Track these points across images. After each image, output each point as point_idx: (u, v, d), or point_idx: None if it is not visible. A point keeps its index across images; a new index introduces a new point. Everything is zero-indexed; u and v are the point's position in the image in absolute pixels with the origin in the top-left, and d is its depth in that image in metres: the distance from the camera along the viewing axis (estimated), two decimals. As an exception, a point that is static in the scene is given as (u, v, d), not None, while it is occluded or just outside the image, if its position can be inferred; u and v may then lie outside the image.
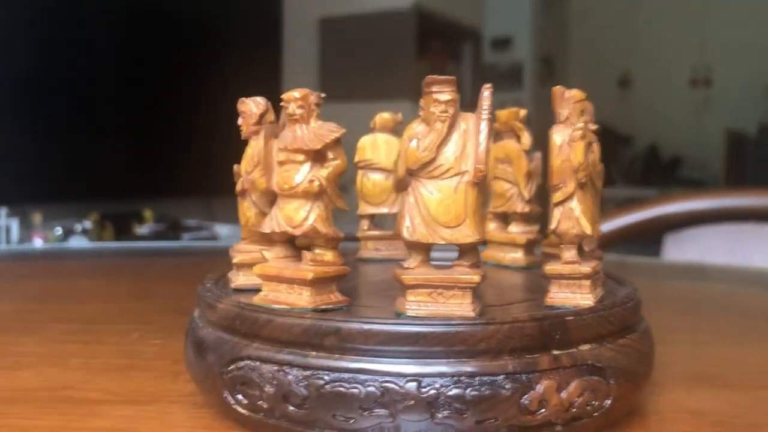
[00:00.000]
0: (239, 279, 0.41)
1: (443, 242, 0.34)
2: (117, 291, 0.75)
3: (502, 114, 0.50)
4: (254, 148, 0.41)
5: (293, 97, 0.36)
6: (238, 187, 0.41)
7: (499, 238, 0.51)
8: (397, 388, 0.32)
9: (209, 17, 3.33)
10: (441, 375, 0.32)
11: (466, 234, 0.34)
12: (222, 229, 3.21)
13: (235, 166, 0.44)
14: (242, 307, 0.36)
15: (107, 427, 0.37)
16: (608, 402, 0.35)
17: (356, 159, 0.52)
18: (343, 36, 3.99)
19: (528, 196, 0.49)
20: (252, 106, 0.41)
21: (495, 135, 0.51)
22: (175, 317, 0.62)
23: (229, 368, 0.35)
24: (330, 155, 0.36)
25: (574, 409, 0.34)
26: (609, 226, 1.26)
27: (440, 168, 0.34)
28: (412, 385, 0.32)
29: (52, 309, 0.67)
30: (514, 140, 0.50)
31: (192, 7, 3.26)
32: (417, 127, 0.35)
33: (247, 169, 0.41)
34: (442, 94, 0.34)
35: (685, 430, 0.37)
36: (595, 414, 0.34)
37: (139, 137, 3.05)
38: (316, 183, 0.35)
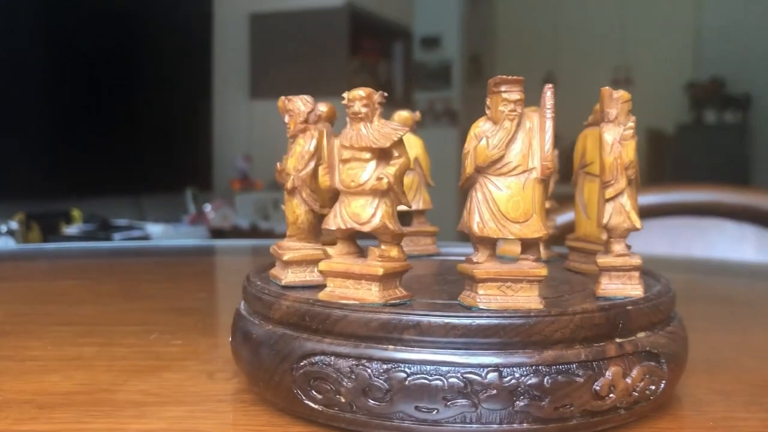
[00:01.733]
0: (288, 276, 0.41)
1: (512, 237, 0.36)
2: (104, 292, 0.73)
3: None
4: (302, 146, 0.41)
5: (359, 96, 0.36)
6: (289, 185, 0.41)
7: (517, 233, 0.52)
8: (479, 378, 0.33)
9: (138, 12, 3.24)
10: (520, 365, 0.33)
11: (535, 229, 0.35)
12: (154, 228, 3.14)
13: (278, 164, 0.44)
14: (312, 303, 0.36)
15: (165, 428, 0.37)
16: (662, 385, 0.37)
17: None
18: (275, 32, 3.95)
19: (548, 193, 0.51)
20: (300, 104, 0.41)
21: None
22: (180, 318, 0.61)
23: (301, 364, 0.36)
24: (395, 153, 0.36)
25: (636, 393, 0.36)
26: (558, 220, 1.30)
27: (508, 165, 0.35)
28: (493, 376, 0.33)
29: (44, 311, 0.64)
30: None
31: (120, 1, 3.17)
32: (484, 125, 0.36)
33: (297, 167, 0.41)
34: (511, 93, 0.35)
35: (719, 408, 0.40)
36: (651, 398, 0.37)
37: (65, 135, 2.94)
38: (385, 180, 0.36)
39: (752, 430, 0.37)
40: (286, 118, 0.42)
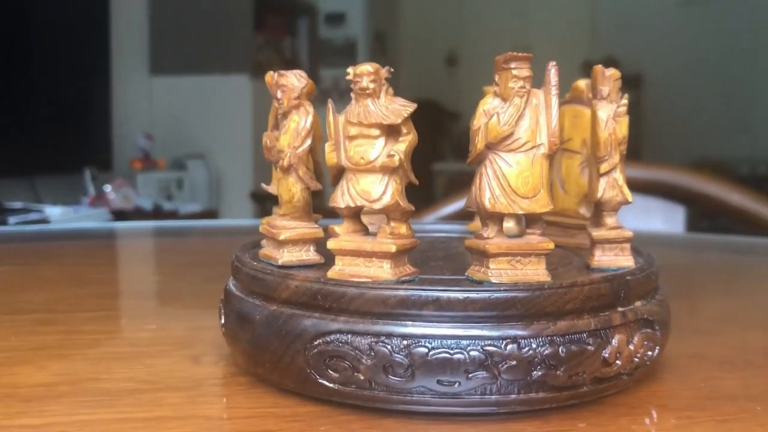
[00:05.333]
0: (285, 255, 0.40)
1: (522, 212, 0.36)
2: (48, 278, 0.69)
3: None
4: (297, 122, 0.40)
5: (367, 71, 0.36)
6: (285, 163, 0.40)
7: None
8: (499, 350, 0.34)
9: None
10: (536, 336, 0.34)
11: (543, 204, 0.36)
12: (52, 211, 2.99)
13: (266, 141, 0.43)
14: (324, 282, 0.36)
15: (171, 416, 0.36)
16: (657, 351, 0.39)
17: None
18: (175, 7, 3.82)
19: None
20: (294, 79, 0.40)
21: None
22: (140, 302, 0.59)
23: (315, 343, 0.35)
24: (404, 130, 0.36)
25: (637, 359, 0.37)
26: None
27: (518, 141, 0.36)
28: (512, 347, 0.34)
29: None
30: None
31: (9, -31, 2.97)
32: (492, 101, 0.36)
33: (293, 144, 0.40)
34: (521, 70, 0.36)
35: (699, 370, 0.42)
36: (648, 363, 0.38)
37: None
38: (396, 157, 0.36)
39: (733, 388, 0.40)
40: (279, 94, 0.41)
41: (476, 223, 0.55)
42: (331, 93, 4.83)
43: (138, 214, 3.33)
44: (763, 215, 1.28)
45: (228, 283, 0.43)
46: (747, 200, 1.32)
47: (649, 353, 0.38)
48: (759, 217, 1.28)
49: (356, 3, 4.83)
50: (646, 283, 0.39)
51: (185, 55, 3.87)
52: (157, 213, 3.40)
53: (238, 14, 3.87)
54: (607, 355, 0.36)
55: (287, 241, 0.40)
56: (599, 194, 0.40)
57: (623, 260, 0.40)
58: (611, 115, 0.39)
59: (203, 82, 3.89)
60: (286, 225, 0.41)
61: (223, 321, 0.42)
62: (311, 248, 0.41)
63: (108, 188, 3.37)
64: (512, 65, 0.36)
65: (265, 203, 3.93)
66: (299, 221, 0.41)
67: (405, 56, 5.35)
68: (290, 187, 0.41)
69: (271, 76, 0.42)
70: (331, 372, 0.35)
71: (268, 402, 0.37)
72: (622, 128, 0.40)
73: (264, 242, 0.46)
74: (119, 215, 3.26)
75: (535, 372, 0.34)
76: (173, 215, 3.41)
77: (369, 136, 0.36)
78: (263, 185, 0.48)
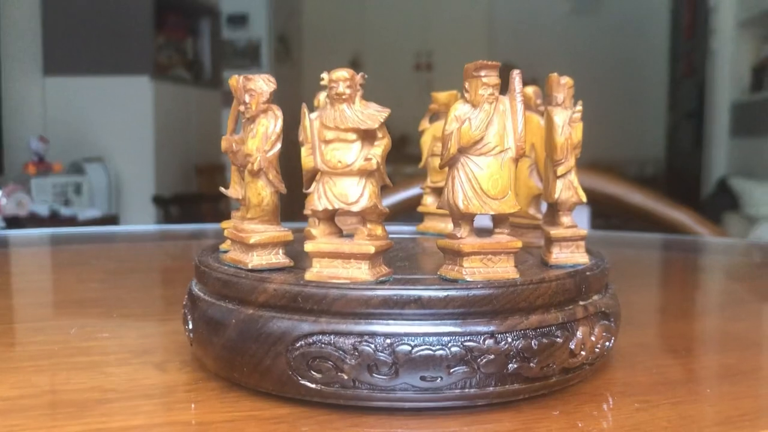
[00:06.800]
0: (254, 259, 0.40)
1: (492, 213, 0.38)
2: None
3: (442, 96, 0.54)
4: (266, 126, 0.40)
5: (343, 77, 0.37)
6: (256, 166, 0.40)
7: (440, 210, 0.55)
8: (478, 345, 0.35)
9: None
10: (511, 330, 0.36)
11: (511, 205, 0.38)
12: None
13: (233, 144, 0.43)
14: (304, 284, 0.36)
15: (149, 424, 0.35)
16: (612, 341, 0.41)
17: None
18: (70, 4, 3.67)
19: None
20: (262, 83, 0.40)
21: (433, 115, 0.55)
22: (83, 310, 0.57)
23: (296, 345, 0.36)
24: (379, 134, 0.37)
25: (597, 349, 0.40)
26: (393, 200, 1.36)
27: (488, 145, 0.38)
28: (490, 342, 0.35)
29: None
30: (452, 120, 0.54)
31: None
32: (462, 107, 0.38)
33: (263, 148, 0.40)
34: (490, 77, 0.37)
35: (646, 359, 0.45)
36: (604, 353, 0.41)
37: None
38: (374, 161, 0.37)
39: (680, 373, 0.43)
40: (246, 98, 0.41)
41: (426, 224, 0.56)
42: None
43: (33, 220, 3.17)
44: (663, 214, 1.37)
45: (192, 287, 0.43)
46: (647, 200, 1.41)
47: (607, 344, 0.41)
48: (657, 215, 1.37)
49: (259, 5, 4.79)
50: (602, 278, 0.42)
51: (82, 55, 3.72)
52: (54, 219, 3.25)
53: (138, 14, 3.75)
54: (573, 347, 0.38)
55: (257, 245, 0.40)
56: (556, 195, 0.42)
57: (579, 257, 0.43)
58: (567, 121, 0.42)
59: (102, 82, 3.76)
60: (255, 228, 0.41)
61: (190, 326, 0.41)
62: (280, 251, 0.41)
63: (-1, 194, 3.20)
64: (482, 73, 0.37)
65: (167, 208, 3.83)
66: (268, 224, 0.41)
67: (309, 59, 5.34)
68: (259, 191, 0.41)
69: (236, 80, 0.42)
70: (313, 373, 0.36)
71: (246, 405, 0.37)
72: (577, 133, 0.42)
73: (226, 246, 0.46)
74: (12, 222, 3.10)
75: (510, 365, 0.36)
76: (72, 221, 3.28)
77: (345, 140, 0.37)
78: (222, 189, 0.48)
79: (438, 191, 0.56)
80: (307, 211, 0.38)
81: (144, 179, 3.80)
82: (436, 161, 0.55)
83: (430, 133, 0.55)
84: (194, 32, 4.29)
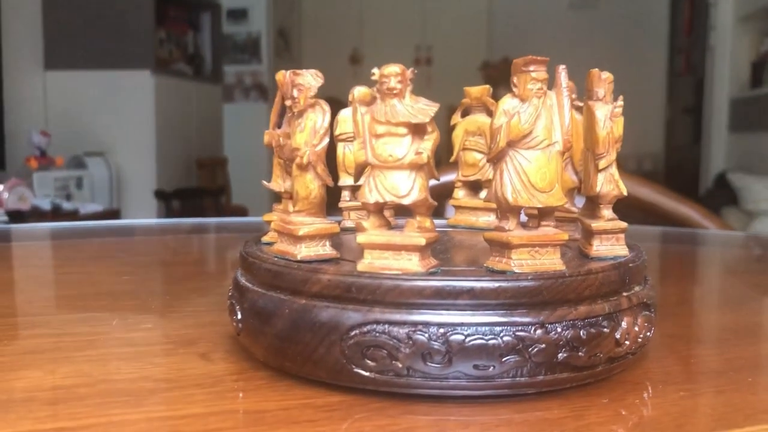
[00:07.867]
0: (303, 251, 0.41)
1: (540, 206, 0.39)
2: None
3: (474, 90, 0.55)
4: (315, 120, 0.41)
5: (395, 72, 0.38)
6: (304, 160, 0.41)
7: (472, 204, 0.56)
8: (529, 335, 0.36)
9: None
10: (560, 320, 0.37)
11: (558, 197, 0.39)
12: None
13: (275, 138, 0.44)
14: (358, 275, 0.37)
15: (207, 412, 0.36)
16: (652, 332, 0.42)
17: (336, 132, 0.54)
18: (71, 0, 3.66)
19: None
20: (311, 78, 0.41)
21: (465, 109, 0.56)
22: (120, 302, 0.58)
23: (351, 335, 0.36)
24: (429, 128, 0.38)
25: (640, 339, 0.41)
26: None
27: (536, 139, 0.38)
28: (540, 332, 0.36)
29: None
30: (485, 114, 0.55)
31: None
32: (511, 101, 0.39)
33: (312, 142, 0.41)
34: (539, 72, 0.38)
35: (682, 348, 0.46)
36: (646, 343, 0.42)
37: None
38: (424, 155, 0.37)
39: (717, 363, 0.44)
40: (295, 93, 0.41)
41: (457, 218, 0.57)
42: (234, 89, 4.76)
43: (36, 214, 3.17)
44: (669, 208, 1.38)
45: (238, 278, 0.43)
46: (654, 194, 1.42)
47: (648, 334, 0.42)
48: (663, 209, 1.38)
49: (259, -1, 4.78)
50: (642, 270, 0.43)
51: (83, 50, 3.72)
52: (56, 213, 3.25)
53: (139, 8, 3.75)
54: (618, 336, 0.39)
55: (306, 237, 0.41)
56: (598, 188, 0.43)
57: (619, 249, 0.43)
58: (608, 115, 0.43)
59: (102, 77, 3.75)
60: (303, 221, 0.42)
61: (239, 316, 0.42)
62: (327, 243, 0.42)
63: (0, 187, 3.20)
64: (531, 68, 0.38)
65: (169, 202, 3.83)
66: (315, 217, 0.42)
67: (308, 53, 5.34)
68: (308, 184, 0.41)
69: (283, 75, 0.42)
70: (368, 361, 0.36)
71: (298, 394, 0.38)
72: (618, 127, 0.43)
73: (268, 238, 0.46)
74: (15, 216, 3.10)
75: (560, 354, 0.37)
76: (74, 215, 3.28)
77: (396, 134, 0.38)
78: (264, 183, 0.48)
79: (469, 185, 0.57)
80: (356, 203, 0.39)
81: (145, 173, 3.80)
82: (468, 155, 0.56)
83: (462, 127, 0.56)
84: (195, 26, 4.29)
